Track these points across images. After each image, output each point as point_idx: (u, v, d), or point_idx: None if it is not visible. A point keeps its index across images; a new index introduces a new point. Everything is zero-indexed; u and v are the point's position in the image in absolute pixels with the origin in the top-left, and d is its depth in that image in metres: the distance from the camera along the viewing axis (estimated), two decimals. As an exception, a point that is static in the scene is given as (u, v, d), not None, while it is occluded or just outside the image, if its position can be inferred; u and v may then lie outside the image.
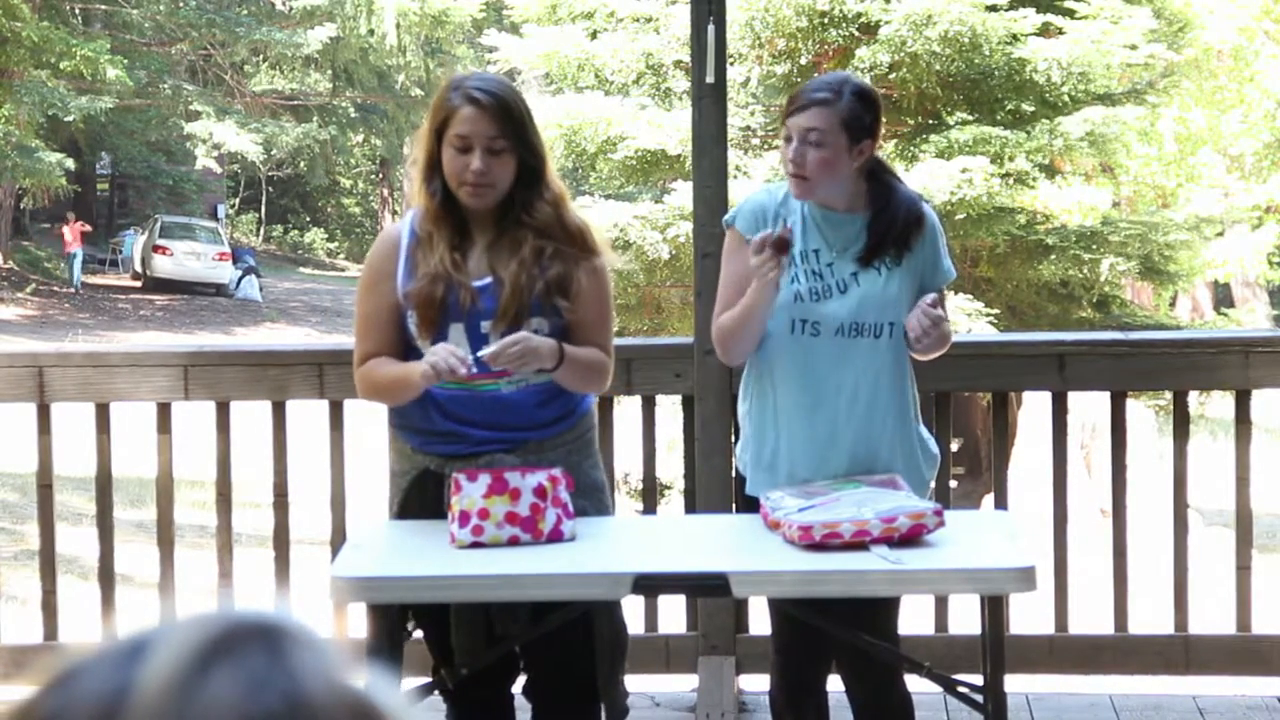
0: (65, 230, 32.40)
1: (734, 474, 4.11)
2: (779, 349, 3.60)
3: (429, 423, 3.48)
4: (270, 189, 45.76)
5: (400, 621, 3.47)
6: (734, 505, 4.24)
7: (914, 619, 4.88)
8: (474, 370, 3.31)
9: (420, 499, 3.54)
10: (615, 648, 3.56)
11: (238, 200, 46.09)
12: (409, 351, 3.48)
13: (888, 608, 3.62)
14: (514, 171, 3.42)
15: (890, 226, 3.59)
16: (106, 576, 4.74)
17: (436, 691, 3.59)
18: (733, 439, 4.43)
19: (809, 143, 3.52)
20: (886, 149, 12.56)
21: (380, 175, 45.40)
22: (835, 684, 3.78)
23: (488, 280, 3.43)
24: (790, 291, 3.56)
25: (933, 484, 3.76)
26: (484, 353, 3.31)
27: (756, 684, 4.69)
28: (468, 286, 3.41)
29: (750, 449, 3.69)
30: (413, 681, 3.61)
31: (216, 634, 0.67)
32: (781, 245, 3.45)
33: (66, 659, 0.70)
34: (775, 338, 3.60)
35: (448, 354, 3.27)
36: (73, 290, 31.53)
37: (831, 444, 3.58)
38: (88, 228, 33.49)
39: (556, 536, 3.38)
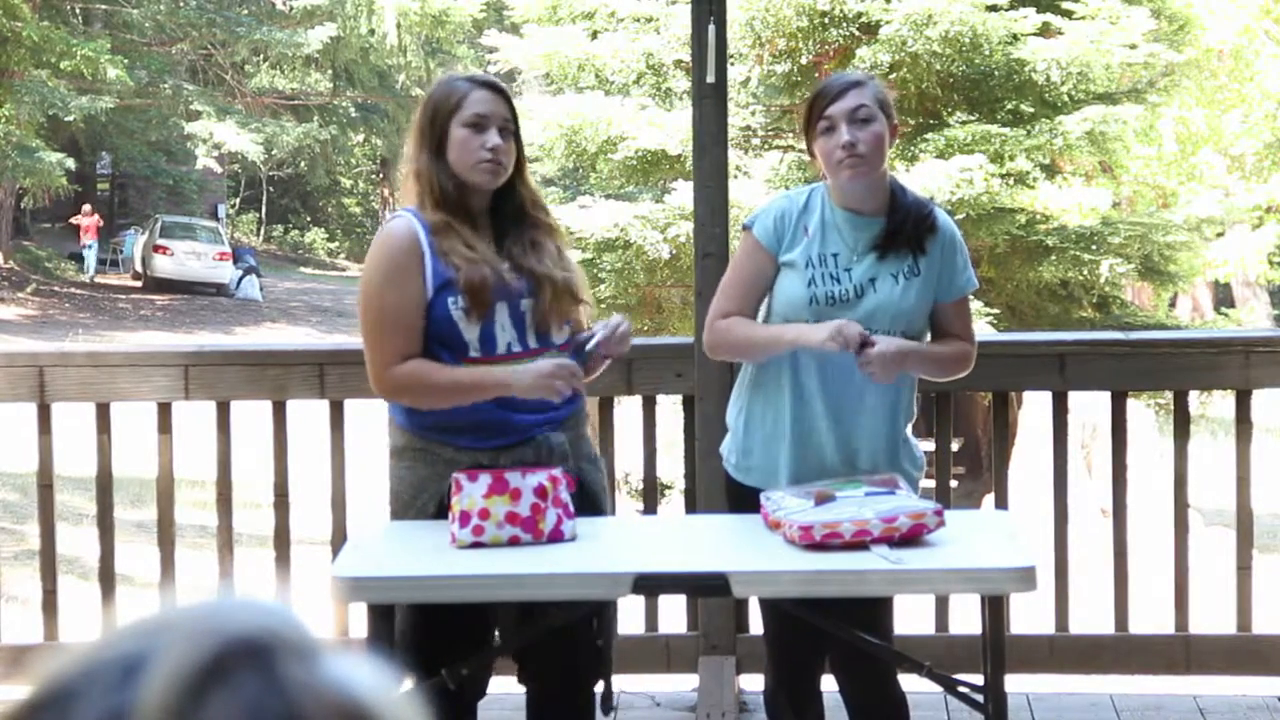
0: (80, 221, 33.15)
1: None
2: (793, 352, 3.57)
3: (477, 415, 3.45)
4: (271, 189, 45.74)
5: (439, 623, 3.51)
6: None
7: (914, 619, 4.88)
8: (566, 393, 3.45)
9: None
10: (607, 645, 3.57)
11: (238, 200, 46.05)
12: (428, 345, 3.46)
13: (882, 606, 3.61)
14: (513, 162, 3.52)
15: (905, 217, 3.57)
16: (107, 576, 4.74)
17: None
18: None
19: (858, 121, 3.50)
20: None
21: (381, 175, 45.36)
22: (831, 684, 3.78)
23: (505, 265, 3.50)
24: (807, 294, 3.55)
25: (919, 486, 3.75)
26: (592, 343, 3.51)
27: (757, 684, 4.68)
28: (497, 267, 3.48)
29: (757, 448, 3.66)
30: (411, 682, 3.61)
31: (209, 658, 0.68)
32: (864, 344, 3.46)
33: (54, 674, 0.70)
34: None
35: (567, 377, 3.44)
36: (88, 280, 32.48)
37: (844, 446, 3.57)
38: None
39: (557, 537, 3.38)
